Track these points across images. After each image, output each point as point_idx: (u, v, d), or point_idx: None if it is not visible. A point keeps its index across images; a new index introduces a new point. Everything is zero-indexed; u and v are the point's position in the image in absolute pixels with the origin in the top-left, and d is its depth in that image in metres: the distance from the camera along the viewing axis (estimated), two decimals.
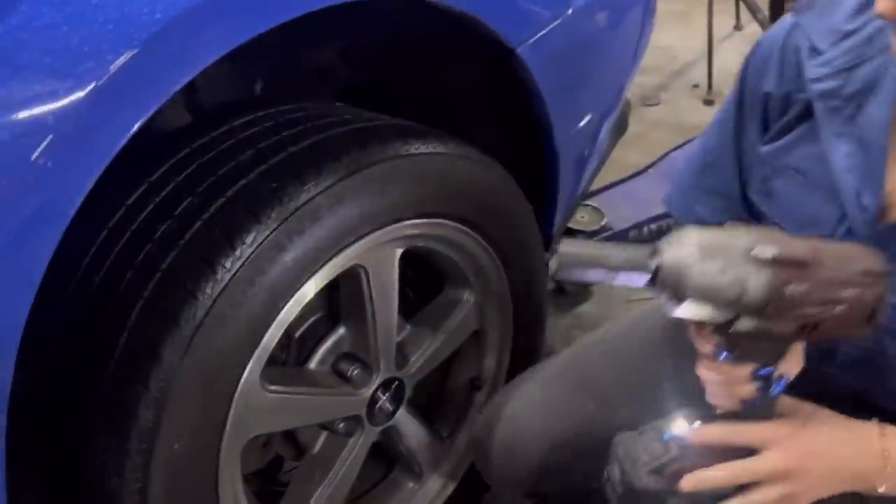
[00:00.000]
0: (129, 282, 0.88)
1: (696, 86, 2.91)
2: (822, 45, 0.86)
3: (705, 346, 0.74)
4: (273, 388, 0.99)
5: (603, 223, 2.08)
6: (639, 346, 1.07)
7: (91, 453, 0.87)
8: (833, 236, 0.84)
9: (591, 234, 2.05)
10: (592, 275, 0.81)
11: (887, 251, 0.77)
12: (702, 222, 0.99)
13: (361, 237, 0.98)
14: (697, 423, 0.77)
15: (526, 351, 1.31)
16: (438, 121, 1.13)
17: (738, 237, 0.69)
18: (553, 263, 0.77)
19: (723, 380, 0.76)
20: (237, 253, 0.86)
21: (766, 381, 0.74)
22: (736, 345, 0.71)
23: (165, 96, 0.75)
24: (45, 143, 0.67)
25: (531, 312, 1.29)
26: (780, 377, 0.74)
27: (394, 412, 1.16)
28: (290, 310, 0.93)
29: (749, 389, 0.75)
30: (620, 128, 1.69)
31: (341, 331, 1.11)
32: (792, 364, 0.76)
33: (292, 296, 0.93)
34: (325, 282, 0.98)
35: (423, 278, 1.26)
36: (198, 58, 0.76)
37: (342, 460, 1.13)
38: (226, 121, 1.03)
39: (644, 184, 2.21)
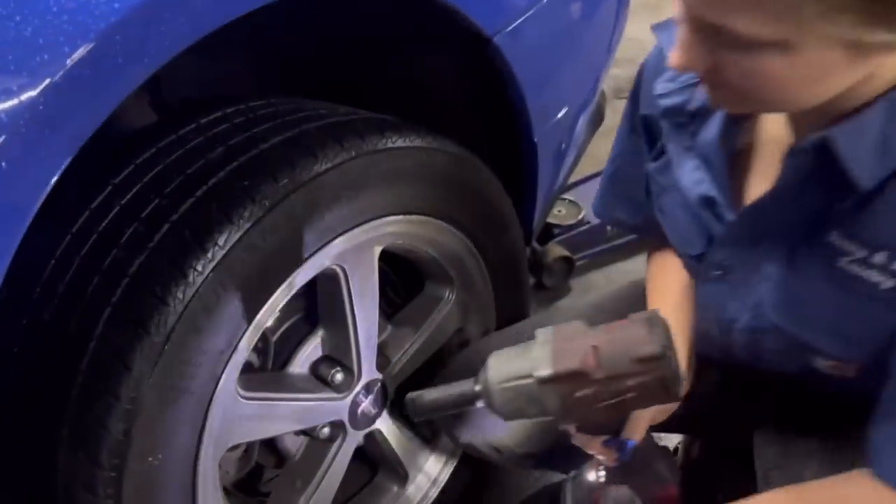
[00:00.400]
0: (95, 288, 0.83)
1: None
2: None
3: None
4: (251, 395, 0.95)
5: (581, 216, 2.06)
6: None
7: (60, 468, 0.82)
8: (705, 254, 0.87)
9: (569, 228, 2.04)
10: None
11: (744, 248, 0.81)
12: (621, 224, 1.09)
13: (339, 235, 0.95)
14: (602, 473, 0.89)
15: None
16: (414, 116, 1.10)
17: (525, 359, 0.78)
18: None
19: (590, 448, 0.87)
20: (209, 255, 0.82)
21: (618, 445, 0.85)
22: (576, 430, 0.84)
23: (127, 91, 0.71)
24: None
25: (513, 309, 1.27)
26: (625, 441, 0.86)
27: (377, 415, 1.13)
28: (266, 313, 0.90)
29: (609, 451, 0.87)
30: (596, 120, 1.67)
31: (320, 333, 1.07)
32: (636, 430, 0.88)
33: (268, 298, 0.89)
34: (303, 283, 0.95)
35: (403, 276, 1.23)
36: (161, 50, 0.72)
37: (325, 467, 1.10)
38: (193, 118, 0.99)
39: None
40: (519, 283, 1.27)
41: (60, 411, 0.82)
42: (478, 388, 0.81)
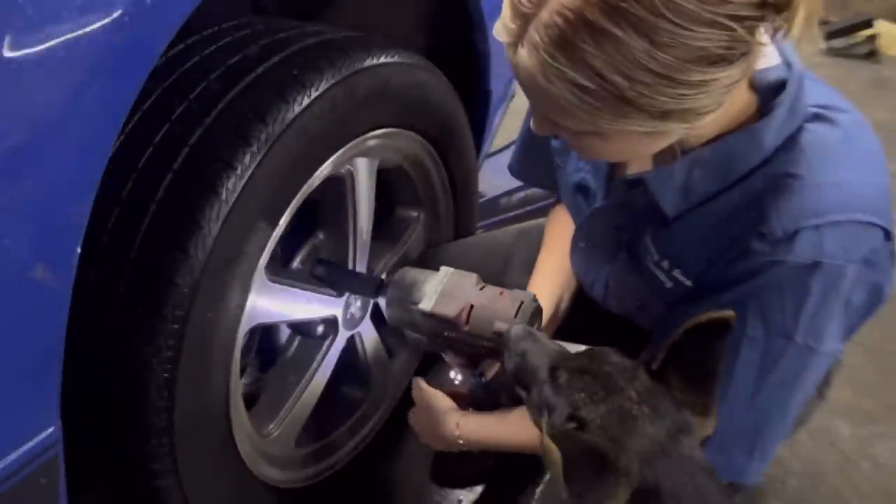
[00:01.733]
0: (153, 156, 0.87)
1: None
2: None
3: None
4: (275, 278, 1.02)
5: (479, 190, 2.25)
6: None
7: (116, 325, 0.85)
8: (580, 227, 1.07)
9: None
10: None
11: (597, 234, 1.02)
12: (538, 184, 1.25)
13: (361, 134, 1.05)
14: (458, 377, 1.11)
15: None
16: None
17: (420, 288, 0.99)
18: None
19: (453, 364, 1.05)
20: (269, 129, 0.89)
21: (475, 374, 1.05)
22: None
23: None
24: None
25: (466, 231, 1.41)
26: (480, 375, 1.04)
27: (361, 319, 1.23)
28: (304, 192, 0.98)
29: (467, 373, 1.07)
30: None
31: (320, 236, 1.16)
32: (490, 369, 1.04)
33: (309, 177, 0.97)
34: (330, 174, 1.03)
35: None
36: None
37: (317, 363, 1.17)
38: (206, 27, 1.04)
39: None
40: (472, 209, 1.42)
41: (120, 263, 0.85)
42: (382, 286, 1.02)
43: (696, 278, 0.92)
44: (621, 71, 0.69)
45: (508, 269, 1.25)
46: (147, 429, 0.87)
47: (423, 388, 1.10)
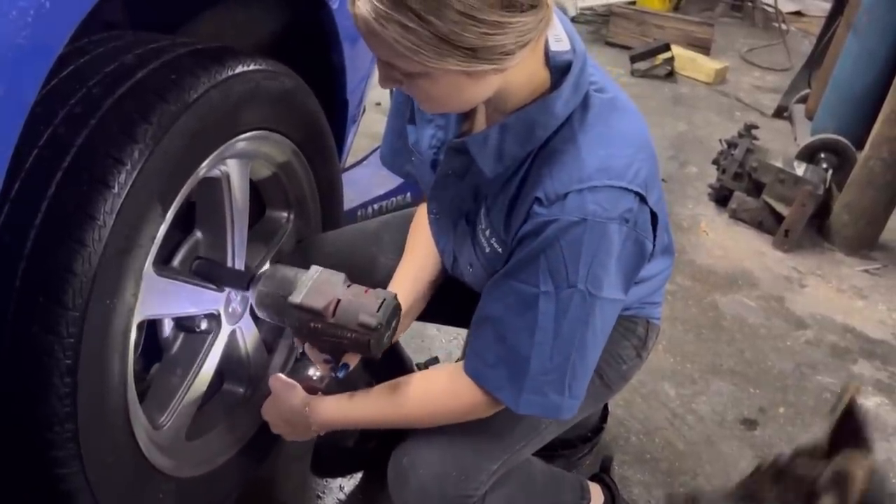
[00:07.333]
0: (43, 154, 0.92)
1: None
2: None
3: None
4: (161, 272, 1.08)
5: None
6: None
7: (20, 310, 0.88)
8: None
9: None
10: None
11: (442, 204, 1.14)
12: (406, 174, 1.31)
13: (236, 135, 1.13)
14: (315, 373, 1.18)
15: None
16: None
17: (291, 282, 1.07)
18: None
19: (315, 358, 1.14)
20: (154, 128, 0.96)
21: (335, 365, 1.11)
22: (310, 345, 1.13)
23: None
24: None
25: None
26: (344, 365, 1.11)
27: (241, 315, 1.29)
28: (189, 186, 1.05)
29: (326, 367, 1.13)
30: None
31: (198, 235, 1.22)
32: (352, 359, 1.13)
33: (191, 174, 1.04)
34: (208, 174, 1.11)
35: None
36: None
37: (202, 357, 1.23)
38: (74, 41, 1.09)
39: (362, 172, 2.55)
40: (338, 210, 1.53)
41: (15, 256, 0.88)
42: (254, 280, 1.08)
43: (504, 245, 1.06)
44: (434, 11, 0.81)
45: (379, 250, 1.35)
46: (51, 415, 0.90)
47: (278, 377, 1.17)
